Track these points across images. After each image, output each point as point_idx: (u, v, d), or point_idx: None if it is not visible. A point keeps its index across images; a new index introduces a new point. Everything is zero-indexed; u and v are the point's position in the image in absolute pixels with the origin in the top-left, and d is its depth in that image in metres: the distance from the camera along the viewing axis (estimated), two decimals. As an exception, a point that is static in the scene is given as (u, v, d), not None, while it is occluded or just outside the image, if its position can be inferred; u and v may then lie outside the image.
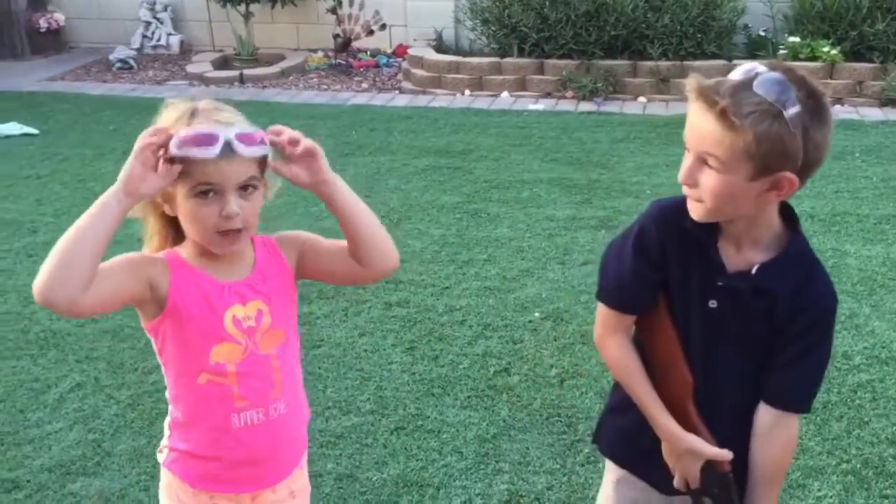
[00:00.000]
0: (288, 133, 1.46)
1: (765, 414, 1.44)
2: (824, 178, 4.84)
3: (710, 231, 1.42)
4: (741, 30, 7.11)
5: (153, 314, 1.48)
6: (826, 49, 6.51)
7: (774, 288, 1.40)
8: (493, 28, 7.02)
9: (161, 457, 1.62)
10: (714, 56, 6.75)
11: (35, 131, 5.85)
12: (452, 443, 2.61)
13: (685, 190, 1.40)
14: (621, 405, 1.56)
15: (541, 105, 6.56)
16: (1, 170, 5.07)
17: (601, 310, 1.53)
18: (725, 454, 1.44)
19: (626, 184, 4.81)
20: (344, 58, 7.78)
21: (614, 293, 1.51)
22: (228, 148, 1.39)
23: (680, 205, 1.45)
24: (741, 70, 1.36)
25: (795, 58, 6.61)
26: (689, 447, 1.45)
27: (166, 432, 1.61)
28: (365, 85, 7.25)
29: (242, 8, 7.53)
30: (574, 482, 2.33)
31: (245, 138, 1.41)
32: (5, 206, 4.60)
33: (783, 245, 1.44)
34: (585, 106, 6.51)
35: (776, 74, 1.32)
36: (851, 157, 5.22)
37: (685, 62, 6.72)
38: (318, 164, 1.50)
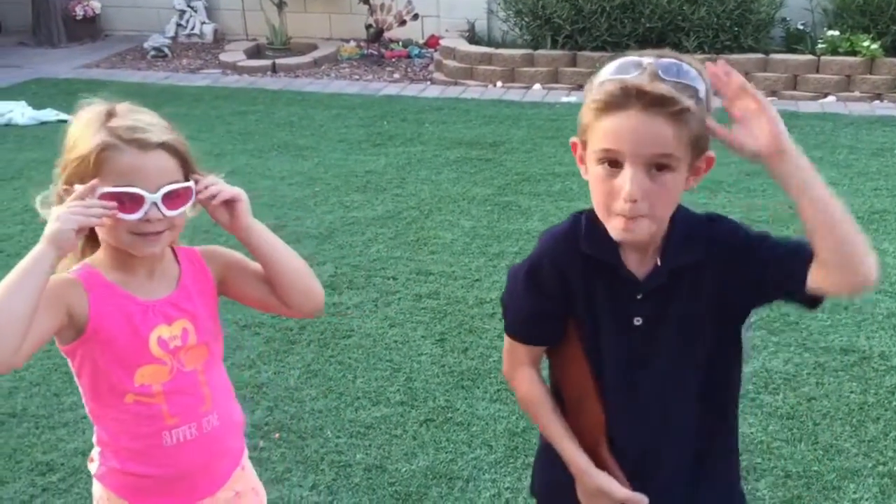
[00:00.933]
0: (209, 191, 1.44)
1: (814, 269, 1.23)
2: (862, 174, 4.76)
3: (612, 249, 1.31)
4: (779, 23, 6.99)
5: (70, 338, 1.41)
6: (866, 44, 6.39)
7: (687, 259, 1.30)
8: (527, 19, 6.97)
9: (92, 467, 1.56)
10: (751, 50, 6.65)
11: (71, 118, 5.90)
12: (482, 436, 2.60)
13: (629, 208, 1.23)
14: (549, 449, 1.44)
15: (573, 97, 6.51)
16: (36, 155, 5.13)
17: (507, 341, 1.46)
18: (639, 499, 1.35)
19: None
20: (376, 48, 7.77)
21: (518, 326, 1.44)
22: (155, 208, 1.36)
23: (572, 230, 1.36)
24: (631, 64, 1.24)
25: (835, 52, 6.50)
26: (599, 486, 1.35)
27: (96, 448, 1.55)
28: (396, 75, 7.24)
29: (276, -3, 7.55)
30: (604, 478, 2.31)
31: (172, 200, 1.38)
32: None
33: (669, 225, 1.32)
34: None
35: (673, 60, 1.24)
36: (891, 153, 5.12)
37: (722, 55, 6.63)
38: (237, 211, 1.46)
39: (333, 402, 2.79)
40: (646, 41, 6.71)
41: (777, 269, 1.28)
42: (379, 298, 3.43)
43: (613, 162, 1.23)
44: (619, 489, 1.35)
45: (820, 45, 6.57)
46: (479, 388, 2.84)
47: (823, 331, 3.08)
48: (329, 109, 6.14)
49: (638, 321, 1.33)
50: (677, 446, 1.37)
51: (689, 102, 1.21)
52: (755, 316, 3.15)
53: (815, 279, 1.23)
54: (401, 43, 7.89)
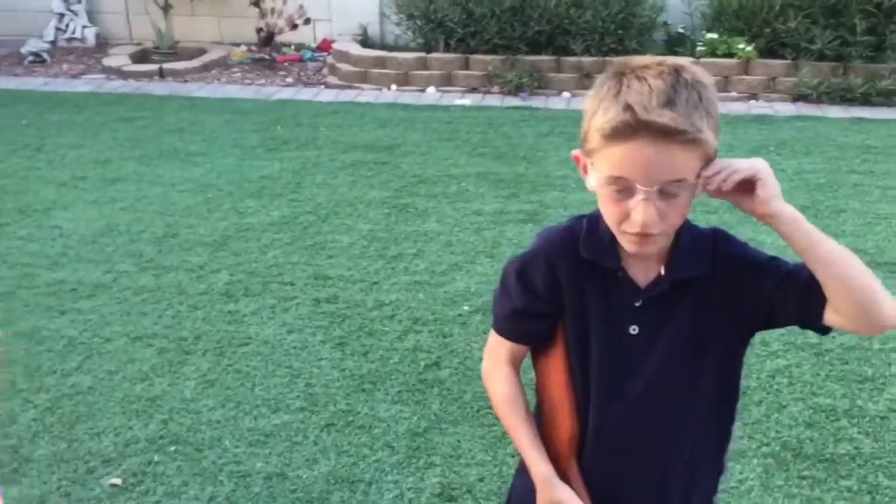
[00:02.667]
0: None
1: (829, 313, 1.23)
2: (741, 171, 4.98)
3: (614, 254, 1.29)
4: (661, 27, 7.26)
5: None
6: (742, 46, 6.71)
7: (692, 273, 1.28)
8: (419, 23, 7.01)
9: None
10: (635, 52, 6.89)
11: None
12: (384, 438, 2.60)
13: (643, 229, 1.20)
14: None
15: (467, 100, 6.59)
16: None
17: (493, 339, 1.41)
18: None
19: (552, 178, 4.87)
20: (268, 52, 7.67)
21: (503, 322, 1.39)
22: None
23: (571, 232, 1.33)
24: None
25: (713, 54, 6.79)
26: (558, 499, 1.32)
27: None
28: (290, 79, 7.16)
29: (161, 0, 7.34)
30: (505, 473, 2.35)
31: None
32: (-90, 205, 4.39)
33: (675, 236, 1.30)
34: (511, 101, 6.56)
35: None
36: (766, 150, 5.39)
37: (607, 58, 6.83)
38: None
39: (231, 411, 2.74)
40: (535, 44, 6.86)
41: (793, 301, 1.25)
42: (276, 304, 3.39)
43: (621, 187, 1.21)
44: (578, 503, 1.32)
45: (699, 48, 6.86)
46: (379, 390, 2.84)
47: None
48: (220, 114, 6.02)
49: (634, 330, 1.29)
50: (656, 472, 1.33)
51: (699, 127, 1.18)
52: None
53: (832, 321, 1.23)
54: (293, 47, 7.81)
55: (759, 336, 3.05)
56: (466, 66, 6.92)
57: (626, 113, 1.17)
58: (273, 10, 7.66)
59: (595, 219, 1.31)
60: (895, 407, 2.66)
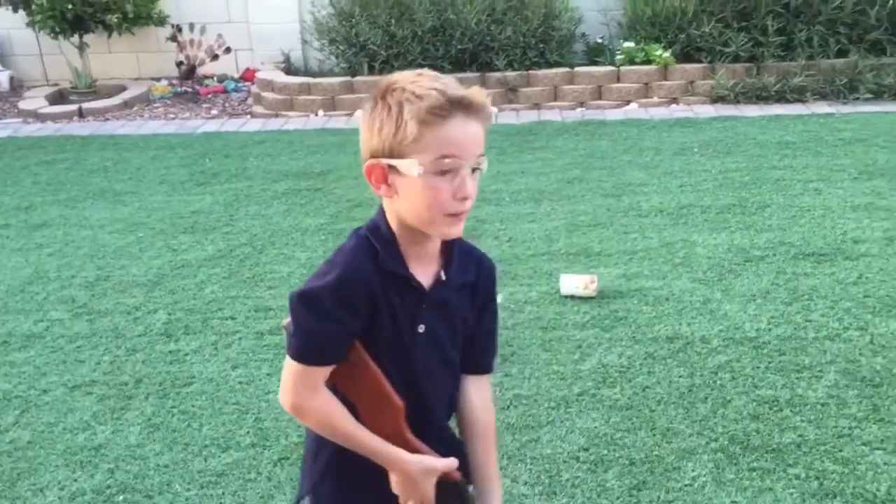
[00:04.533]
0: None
1: (471, 385, 1.54)
2: (668, 174, 5.11)
3: (399, 259, 1.42)
4: (580, 38, 7.41)
5: None
6: (659, 52, 6.89)
7: (466, 279, 1.48)
8: (342, 47, 7.02)
9: None
10: (557, 64, 7.00)
11: None
12: (338, 467, 2.57)
13: (462, 206, 1.38)
14: (330, 470, 1.51)
15: (395, 121, 6.61)
16: None
17: (298, 370, 1.42)
18: (453, 462, 1.46)
19: (486, 192, 4.91)
20: (190, 85, 7.57)
21: (316, 349, 1.41)
22: None
23: (367, 247, 1.42)
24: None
25: (632, 62, 6.95)
26: (423, 467, 1.44)
27: None
28: (214, 111, 7.08)
29: (76, 39, 7.19)
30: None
31: None
32: None
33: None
34: (439, 119, 6.60)
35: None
36: (690, 152, 5.53)
37: (531, 71, 6.94)
38: None
39: (180, 454, 2.67)
40: (459, 62, 6.92)
41: (478, 339, 1.53)
42: (218, 341, 3.33)
43: (447, 167, 1.34)
44: (439, 461, 1.45)
45: (618, 57, 7.02)
46: (330, 419, 2.80)
47: (650, 322, 3.28)
48: (145, 151, 5.91)
49: (421, 328, 1.44)
50: (443, 410, 1.54)
51: (490, 108, 1.40)
52: (587, 316, 3.34)
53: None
54: (216, 78, 7.73)
55: (698, 334, 3.13)
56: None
57: (439, 95, 1.34)
58: (192, 42, 7.58)
59: (377, 231, 1.43)
60: (833, 393, 2.74)
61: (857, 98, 6.50)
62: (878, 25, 6.69)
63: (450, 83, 1.38)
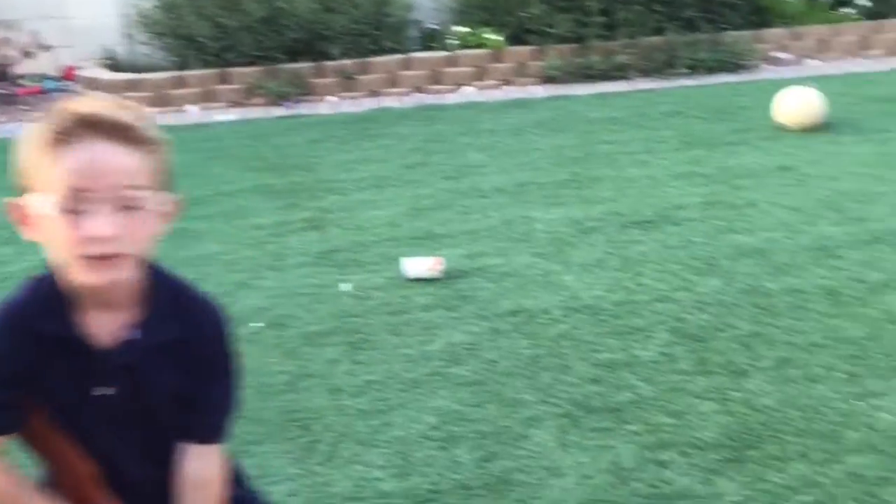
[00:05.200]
0: None
1: (191, 454, 1.33)
2: (506, 154, 5.25)
3: (62, 316, 1.22)
4: (414, 24, 7.47)
5: None
6: (490, 36, 7.05)
7: (169, 336, 1.26)
8: (169, 41, 6.77)
9: None
10: (393, 51, 7.03)
11: None
12: (188, 472, 2.50)
13: (103, 244, 1.14)
14: None
15: (231, 115, 6.45)
16: None
17: None
18: None
19: (329, 182, 4.88)
20: (5, 86, 7.08)
21: None
22: None
23: (24, 305, 1.24)
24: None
25: (465, 46, 7.08)
26: None
27: None
28: (35, 113, 6.66)
29: None
30: (316, 482, 2.34)
31: None
32: None
33: (144, 283, 1.27)
34: (277, 111, 6.50)
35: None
36: (526, 132, 5.70)
37: (367, 59, 6.94)
38: None
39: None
40: (294, 52, 6.82)
41: (199, 406, 1.32)
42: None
43: (77, 203, 1.13)
44: None
45: (452, 42, 7.13)
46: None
47: (493, 298, 3.37)
48: (-42, 159, 5.49)
49: (99, 392, 1.25)
50: (150, 473, 1.34)
51: (148, 127, 1.19)
52: (433, 297, 3.39)
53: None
54: (33, 78, 7.26)
55: (540, 306, 3.25)
56: (226, 80, 6.76)
57: (67, 115, 1.14)
58: (2, 41, 7.08)
59: (43, 280, 1.24)
60: (665, 351, 2.91)
61: (676, 73, 6.90)
62: (691, 4, 7.12)
63: (98, 103, 1.17)
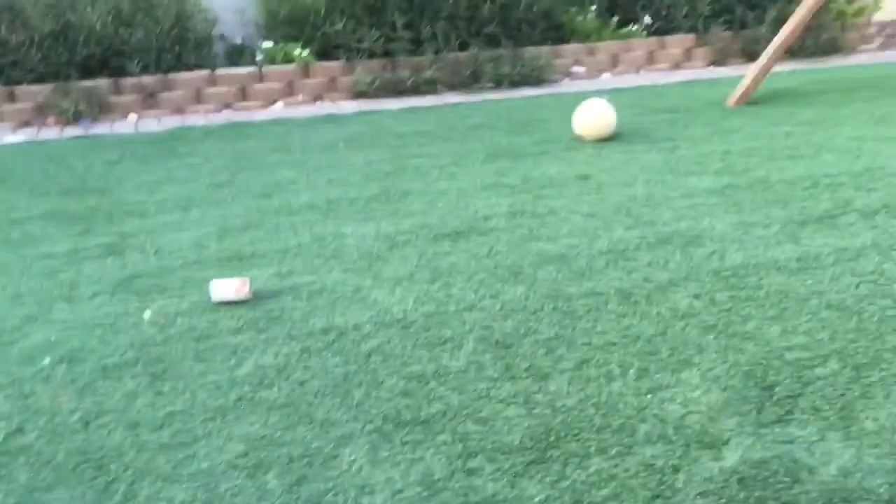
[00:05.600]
0: None
1: None
2: (316, 170, 5.21)
3: None
4: (219, 39, 7.28)
5: None
6: (298, 52, 6.98)
7: None
8: (-57, 57, 6.23)
9: None
10: (196, 67, 6.82)
11: None
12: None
13: None
14: None
15: (20, 136, 6.01)
16: None
17: None
18: None
19: (130, 205, 4.65)
20: None
21: None
22: None
23: None
24: None
25: (273, 62, 6.98)
26: None
27: None
28: None
29: None
30: (116, 525, 2.21)
31: None
32: None
33: None
34: (72, 131, 6.12)
35: None
36: (336, 147, 5.69)
37: (169, 75, 6.68)
38: None
39: None
40: (89, 68, 6.47)
41: None
42: None
43: None
44: None
45: (259, 57, 7.01)
46: (-45, 476, 2.48)
47: (305, 317, 3.32)
48: None
49: None
50: None
51: None
52: (242, 320, 3.29)
53: None
54: None
55: (352, 322, 3.23)
56: (13, 98, 6.31)
57: None
58: None
59: None
60: (472, 359, 2.98)
61: (482, 87, 7.12)
62: (492, 20, 7.38)
63: None
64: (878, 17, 9.28)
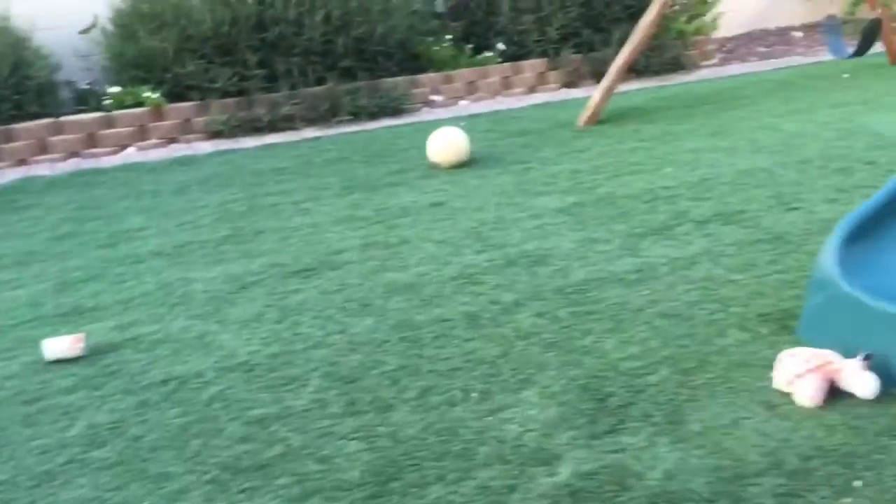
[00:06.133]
0: None
1: None
2: (167, 215, 5.07)
3: None
4: (65, 85, 7.03)
5: None
6: (147, 94, 6.81)
7: None
8: None
9: None
10: (39, 116, 6.55)
11: None
12: None
13: None
14: None
15: None
16: None
17: None
18: None
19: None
20: None
21: None
22: None
23: None
24: None
25: (122, 106, 6.78)
26: None
27: None
28: None
29: None
30: None
31: None
32: None
33: None
34: None
35: None
36: (190, 190, 5.56)
37: (10, 125, 6.40)
38: None
39: None
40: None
41: None
42: None
43: None
44: None
45: (106, 102, 6.80)
46: None
47: (144, 369, 3.21)
48: None
49: None
50: None
51: None
52: (75, 378, 3.15)
53: None
54: None
55: (194, 370, 3.14)
56: None
57: None
58: None
59: None
60: (316, 397, 2.94)
61: (340, 121, 7.13)
62: (347, 54, 7.41)
63: None
64: (719, 33, 9.84)
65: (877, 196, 3.12)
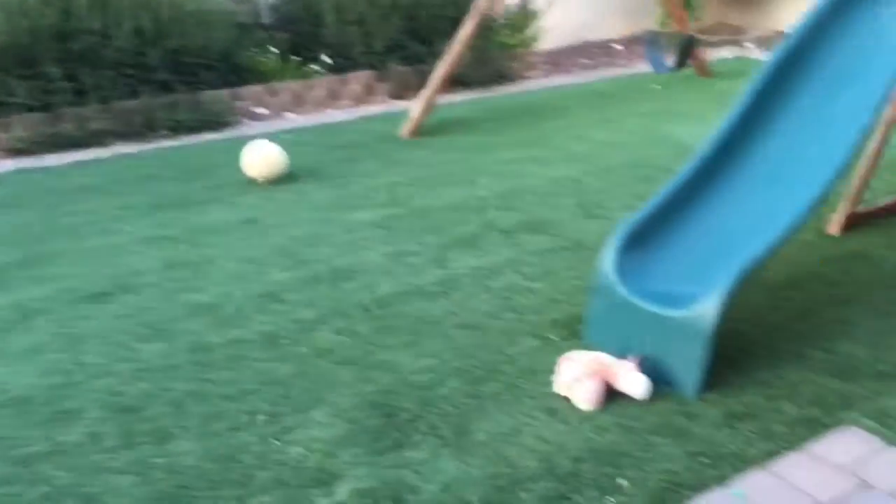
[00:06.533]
0: None
1: None
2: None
3: None
4: None
5: None
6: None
7: None
8: None
9: None
10: None
11: None
12: None
13: None
14: None
15: None
16: None
17: None
18: None
19: None
20: None
21: None
22: None
23: None
24: None
25: None
26: None
27: None
28: None
29: None
30: None
31: None
32: None
33: None
34: None
35: None
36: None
37: None
38: None
39: None
40: None
41: None
42: None
43: None
44: None
45: None
46: None
47: None
48: None
49: None
50: None
51: None
52: None
53: None
54: None
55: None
56: None
57: None
58: None
59: None
60: (91, 431, 2.77)
61: (157, 136, 6.83)
62: (163, 67, 7.11)
63: None
64: (545, 45, 10.16)
65: (650, 203, 3.27)
